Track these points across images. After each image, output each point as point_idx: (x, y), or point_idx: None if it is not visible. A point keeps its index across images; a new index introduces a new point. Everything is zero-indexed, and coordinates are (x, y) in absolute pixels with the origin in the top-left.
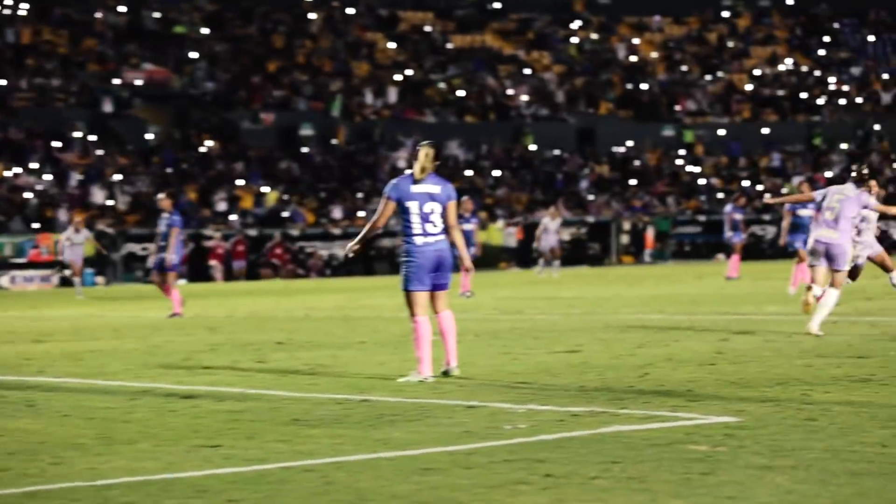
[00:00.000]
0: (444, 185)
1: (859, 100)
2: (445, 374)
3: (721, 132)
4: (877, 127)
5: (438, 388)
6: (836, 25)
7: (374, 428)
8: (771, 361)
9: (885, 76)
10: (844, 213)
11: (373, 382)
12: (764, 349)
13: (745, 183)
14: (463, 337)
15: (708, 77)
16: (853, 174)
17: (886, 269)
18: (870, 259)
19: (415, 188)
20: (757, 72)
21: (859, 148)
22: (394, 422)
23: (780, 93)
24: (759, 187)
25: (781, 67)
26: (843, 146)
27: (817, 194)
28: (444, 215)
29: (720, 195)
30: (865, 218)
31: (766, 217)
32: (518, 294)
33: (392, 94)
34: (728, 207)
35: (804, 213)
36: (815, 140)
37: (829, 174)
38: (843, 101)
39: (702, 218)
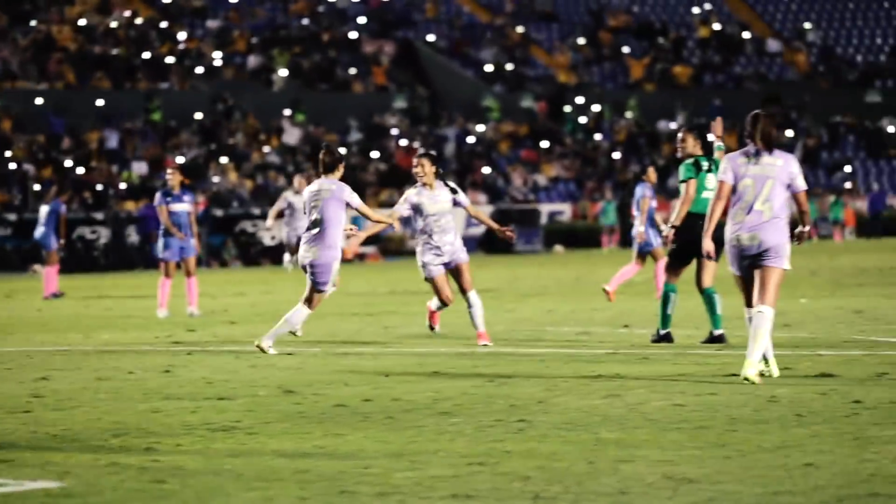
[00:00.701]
0: None
1: (218, 63)
2: None
3: (38, 101)
4: (245, 102)
5: None
6: None
7: None
8: (105, 406)
9: (255, 39)
10: (329, 216)
11: None
12: (96, 390)
13: (72, 170)
14: None
15: (19, 29)
16: (325, 162)
17: (462, 288)
18: (446, 267)
19: None
20: (83, 22)
21: (216, 124)
22: None
23: (116, 51)
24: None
25: (115, 21)
26: (198, 119)
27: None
28: None
29: (37, 186)
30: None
31: (98, 216)
32: None
33: None
34: (58, 204)
35: (178, 207)
36: (155, 114)
37: (180, 159)
38: (198, 67)
39: (12, 217)
